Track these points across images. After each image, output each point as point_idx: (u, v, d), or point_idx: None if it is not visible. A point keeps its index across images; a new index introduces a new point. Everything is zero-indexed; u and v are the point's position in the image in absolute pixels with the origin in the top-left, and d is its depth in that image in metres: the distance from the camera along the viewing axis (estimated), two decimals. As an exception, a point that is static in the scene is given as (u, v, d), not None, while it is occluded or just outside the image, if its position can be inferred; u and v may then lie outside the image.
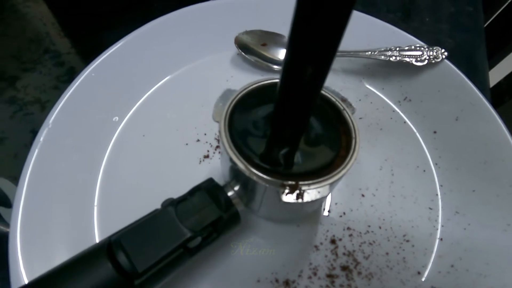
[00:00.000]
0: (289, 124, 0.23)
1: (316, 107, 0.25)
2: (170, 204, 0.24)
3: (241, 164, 0.22)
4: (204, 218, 0.24)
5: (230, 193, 0.26)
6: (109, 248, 0.22)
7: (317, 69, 0.18)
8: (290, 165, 0.23)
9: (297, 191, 0.22)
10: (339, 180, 0.23)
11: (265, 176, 0.22)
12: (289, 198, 0.22)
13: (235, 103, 0.25)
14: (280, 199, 0.23)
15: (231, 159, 0.23)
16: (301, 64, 0.17)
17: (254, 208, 0.28)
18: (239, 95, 0.25)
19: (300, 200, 0.22)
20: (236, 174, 0.25)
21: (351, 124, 0.25)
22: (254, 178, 0.22)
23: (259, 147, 0.23)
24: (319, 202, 0.28)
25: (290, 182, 0.22)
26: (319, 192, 0.23)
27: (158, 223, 0.23)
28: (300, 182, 0.22)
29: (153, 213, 0.24)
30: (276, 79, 0.26)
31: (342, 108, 0.26)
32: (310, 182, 0.22)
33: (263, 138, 0.24)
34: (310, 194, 0.22)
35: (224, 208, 0.25)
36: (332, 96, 0.26)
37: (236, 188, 0.26)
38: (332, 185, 0.23)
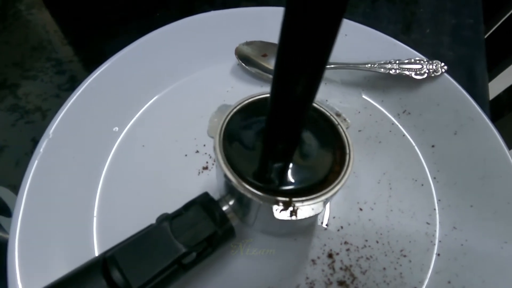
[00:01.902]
0: (281, 137, 0.23)
1: (310, 121, 0.25)
2: (165, 219, 0.24)
3: (235, 180, 0.22)
4: (199, 234, 0.24)
5: (225, 208, 0.26)
6: (104, 265, 0.22)
7: (306, 80, 0.17)
8: (283, 181, 0.23)
9: (291, 208, 0.22)
10: (332, 196, 0.23)
11: (258, 193, 0.22)
12: (283, 215, 0.22)
13: (229, 118, 0.25)
14: (274, 216, 0.23)
15: (225, 175, 0.23)
16: (290, 75, 0.17)
17: (249, 223, 0.28)
18: (234, 110, 0.25)
19: (293, 217, 0.22)
20: (230, 189, 0.24)
21: (345, 139, 0.25)
22: (248, 194, 0.22)
23: (253, 163, 0.23)
24: (314, 217, 0.28)
25: (283, 199, 0.22)
26: (312, 208, 0.23)
27: (152, 239, 0.23)
28: (294, 199, 0.22)
29: (148, 229, 0.24)
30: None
31: (336, 122, 0.25)
32: (303, 198, 0.22)
33: (258, 154, 0.24)
34: (304, 210, 0.22)
35: (219, 223, 0.25)
36: (326, 110, 0.26)
37: (231, 202, 0.26)
38: (326, 201, 0.23)
